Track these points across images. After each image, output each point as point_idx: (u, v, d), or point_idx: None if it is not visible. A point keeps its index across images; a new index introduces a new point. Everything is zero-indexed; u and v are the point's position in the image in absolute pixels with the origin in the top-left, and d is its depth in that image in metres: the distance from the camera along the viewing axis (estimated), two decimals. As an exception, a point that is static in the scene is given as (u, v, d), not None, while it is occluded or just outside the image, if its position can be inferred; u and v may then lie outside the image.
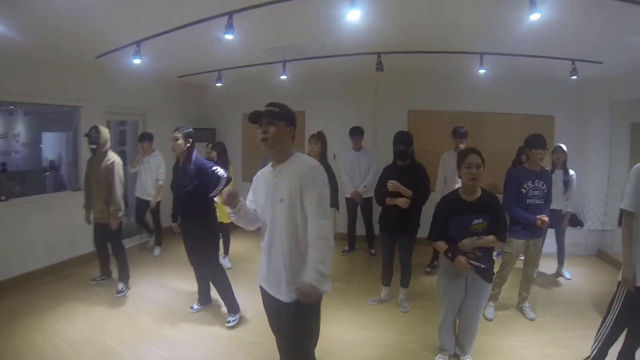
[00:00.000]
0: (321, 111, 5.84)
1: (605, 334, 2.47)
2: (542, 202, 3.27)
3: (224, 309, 3.37)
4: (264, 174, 1.90)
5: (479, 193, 2.40)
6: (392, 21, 3.37)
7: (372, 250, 5.19)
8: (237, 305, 3.28)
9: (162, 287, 4.01)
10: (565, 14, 2.94)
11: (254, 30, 3.49)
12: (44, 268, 4.19)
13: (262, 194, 1.87)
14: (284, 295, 1.77)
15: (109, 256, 3.93)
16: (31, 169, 5.87)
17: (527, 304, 3.52)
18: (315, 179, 1.71)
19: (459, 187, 2.50)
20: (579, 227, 5.20)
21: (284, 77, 4.90)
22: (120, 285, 3.76)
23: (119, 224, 3.66)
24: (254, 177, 1.98)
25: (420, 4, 3.07)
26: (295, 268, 1.73)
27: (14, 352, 2.77)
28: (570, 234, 4.57)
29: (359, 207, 5.04)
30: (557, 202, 3.93)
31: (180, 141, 3.09)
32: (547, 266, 4.55)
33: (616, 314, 2.42)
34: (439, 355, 2.72)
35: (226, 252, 4.63)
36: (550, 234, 4.39)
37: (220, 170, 3.19)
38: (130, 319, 3.32)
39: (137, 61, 3.59)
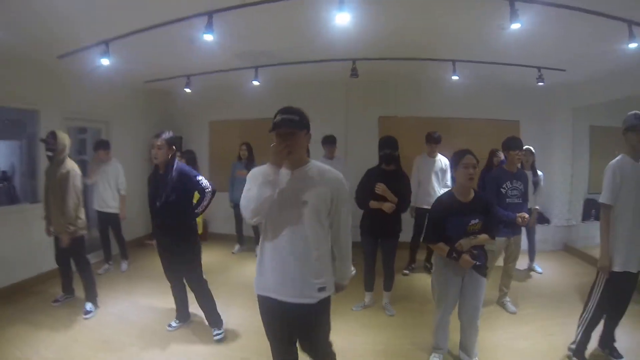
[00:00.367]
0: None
1: (588, 318, 2.61)
2: (521, 201, 3.40)
3: (204, 324, 3.16)
4: (267, 173, 1.70)
5: (472, 194, 2.44)
6: (368, 28, 3.39)
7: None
8: (221, 318, 3.09)
9: (133, 305, 3.66)
10: (533, 25, 3.10)
11: (228, 34, 3.38)
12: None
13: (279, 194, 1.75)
14: (310, 297, 1.77)
15: (72, 273, 3.59)
16: (-22, 182, 5.34)
17: (507, 299, 3.62)
18: (346, 191, 1.83)
19: (452, 189, 2.52)
20: (545, 224, 5.47)
21: (256, 82, 4.82)
22: (89, 306, 3.40)
23: (79, 239, 3.33)
24: (251, 176, 1.80)
25: (396, 12, 3.13)
26: (319, 269, 1.77)
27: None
28: (538, 230, 4.79)
29: None
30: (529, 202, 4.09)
31: (164, 149, 2.82)
32: (518, 262, 4.69)
33: (597, 299, 2.58)
34: (433, 354, 2.71)
35: None
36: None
37: (204, 181, 2.95)
38: (104, 343, 2.95)
39: (105, 62, 3.37)
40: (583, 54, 4.01)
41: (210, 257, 4.91)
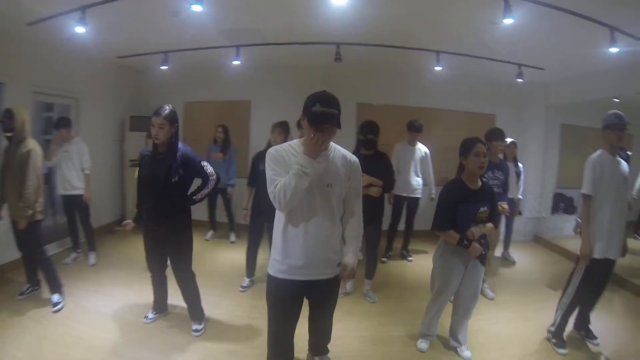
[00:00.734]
0: (267, 102, 5.57)
1: (568, 302, 2.74)
2: (501, 191, 3.48)
3: (183, 315, 2.99)
4: (304, 165, 1.67)
5: (480, 182, 2.46)
6: (354, 13, 3.32)
7: None
8: (203, 313, 2.93)
9: (105, 297, 3.37)
10: (519, 23, 3.12)
11: (213, 9, 3.20)
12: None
13: None
14: (329, 272, 1.89)
15: (45, 264, 3.22)
16: None
17: (486, 285, 3.73)
18: (361, 172, 1.93)
19: (461, 176, 2.49)
20: (518, 215, 5.70)
21: (237, 62, 4.65)
22: (56, 297, 3.10)
23: (36, 224, 3.02)
24: (272, 158, 1.80)
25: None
26: (337, 246, 1.90)
27: None
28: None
29: None
30: (511, 192, 4.23)
31: (165, 127, 2.51)
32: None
33: (576, 284, 2.71)
34: (421, 340, 2.73)
35: None
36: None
37: (209, 167, 2.71)
38: (77, 339, 2.67)
39: (80, 30, 3.09)
40: (562, 55, 4.17)
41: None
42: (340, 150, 1.89)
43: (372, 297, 3.55)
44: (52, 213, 4.59)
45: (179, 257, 2.77)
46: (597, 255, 2.59)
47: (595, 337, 2.81)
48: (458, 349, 2.66)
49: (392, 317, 3.21)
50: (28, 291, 3.26)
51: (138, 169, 2.82)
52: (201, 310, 2.91)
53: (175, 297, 3.05)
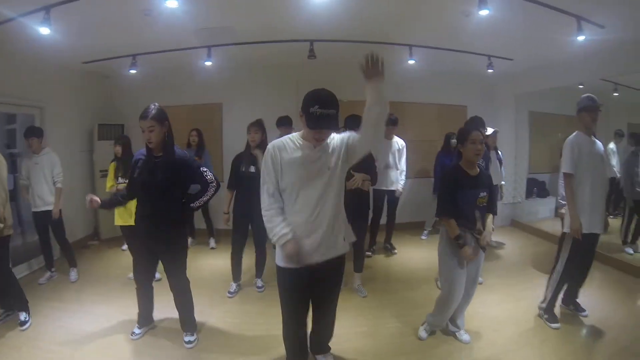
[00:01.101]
0: (240, 103, 5.49)
1: (557, 278, 2.85)
2: None
3: (171, 327, 2.85)
4: (291, 148, 1.90)
5: (478, 168, 2.50)
6: (326, 9, 3.29)
7: None
8: (196, 323, 2.80)
9: (87, 315, 3.13)
10: (488, 15, 3.19)
11: (182, 8, 3.09)
12: None
13: (304, 170, 1.87)
14: (340, 249, 2.00)
15: (6, 281, 2.97)
16: None
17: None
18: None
19: (460, 162, 2.51)
20: (499, 200, 5.89)
21: (209, 63, 4.54)
22: (23, 315, 2.89)
23: (3, 240, 2.80)
24: (268, 156, 1.90)
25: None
26: (341, 223, 1.99)
27: None
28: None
29: None
30: (496, 178, 4.35)
31: (156, 129, 2.38)
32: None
33: (564, 261, 2.81)
34: (422, 329, 2.75)
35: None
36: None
37: (209, 174, 2.59)
38: None
39: (45, 31, 2.89)
40: (530, 45, 4.32)
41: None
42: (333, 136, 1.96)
43: (362, 292, 3.54)
44: (20, 232, 4.27)
45: (174, 264, 2.63)
46: (582, 230, 2.69)
47: (583, 310, 2.94)
48: (457, 334, 2.70)
49: (386, 310, 3.21)
50: (3, 316, 2.98)
51: (129, 176, 2.63)
52: (194, 320, 2.78)
53: (161, 310, 2.91)
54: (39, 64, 4.21)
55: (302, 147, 1.87)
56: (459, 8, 3.36)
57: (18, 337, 2.74)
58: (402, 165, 4.64)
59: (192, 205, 2.59)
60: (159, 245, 2.56)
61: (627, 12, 3.22)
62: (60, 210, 3.78)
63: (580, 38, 3.47)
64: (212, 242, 5.02)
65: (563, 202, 3.58)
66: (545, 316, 2.87)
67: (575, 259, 2.77)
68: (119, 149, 3.84)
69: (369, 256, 4.58)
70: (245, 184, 3.33)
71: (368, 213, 3.54)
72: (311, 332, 2.31)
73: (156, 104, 2.44)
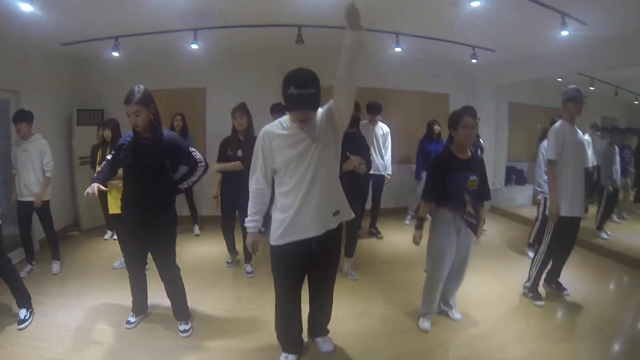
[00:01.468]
0: (223, 88, 5.38)
1: (541, 259, 3.01)
2: None
3: (166, 314, 2.79)
4: (279, 134, 1.91)
5: (469, 152, 2.56)
6: None
7: None
8: (189, 311, 2.75)
9: (75, 307, 2.98)
10: (473, 7, 3.33)
11: None
12: None
13: (293, 150, 1.88)
14: (333, 222, 1.99)
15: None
16: None
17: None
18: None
19: (451, 147, 2.56)
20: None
21: (194, 46, 4.41)
22: (23, 312, 2.70)
23: None
24: (259, 143, 1.95)
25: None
26: (335, 197, 2.00)
27: None
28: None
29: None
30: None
31: (142, 113, 2.26)
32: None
33: (548, 242, 2.97)
34: (422, 320, 2.73)
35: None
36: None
37: (197, 154, 2.51)
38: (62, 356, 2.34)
39: (26, 7, 2.73)
40: (513, 38, 4.46)
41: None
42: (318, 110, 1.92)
43: (353, 275, 3.61)
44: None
45: (163, 253, 2.55)
46: (563, 213, 2.86)
47: (565, 289, 3.13)
48: (449, 312, 2.81)
49: (376, 292, 3.29)
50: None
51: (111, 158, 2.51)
52: (187, 308, 2.72)
53: (152, 298, 2.84)
54: (15, 46, 3.95)
55: (289, 129, 1.89)
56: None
57: (4, 336, 2.56)
58: (388, 150, 4.72)
59: (180, 186, 2.52)
60: (146, 232, 2.47)
61: (608, 10, 3.38)
62: (48, 201, 3.63)
63: (564, 33, 3.62)
64: (196, 229, 4.96)
65: (540, 189, 3.78)
66: (530, 295, 3.03)
67: (557, 240, 2.94)
68: (108, 132, 3.71)
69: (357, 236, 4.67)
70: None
71: (365, 198, 3.58)
72: (309, 315, 2.35)
73: (141, 86, 2.31)
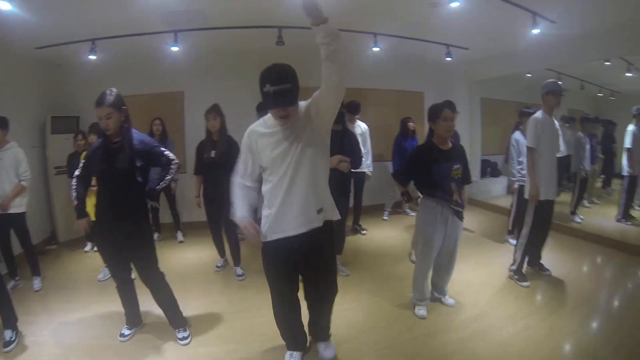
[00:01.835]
0: (202, 91, 5.27)
1: (524, 242, 3.19)
2: None
3: (160, 324, 2.71)
4: (263, 133, 1.89)
5: (450, 143, 2.67)
6: None
7: None
8: (184, 316, 2.68)
9: (61, 325, 2.82)
10: (450, 7, 3.47)
11: None
12: None
13: (276, 148, 1.85)
14: (319, 220, 1.93)
15: None
16: None
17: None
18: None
19: (432, 139, 2.67)
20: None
21: (175, 48, 4.35)
22: (8, 334, 2.53)
23: None
24: (244, 146, 1.95)
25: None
26: (320, 195, 1.93)
27: None
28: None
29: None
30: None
31: (113, 116, 2.23)
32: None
33: (529, 225, 3.16)
34: (418, 307, 2.81)
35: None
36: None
37: (169, 152, 2.47)
38: None
39: (5, 6, 2.62)
40: (486, 35, 4.68)
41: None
42: (302, 105, 1.86)
43: (344, 271, 3.66)
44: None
45: (143, 259, 2.46)
46: (540, 197, 3.06)
47: (547, 269, 3.33)
48: (442, 299, 2.92)
49: (370, 286, 3.35)
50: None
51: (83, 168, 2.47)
52: (181, 314, 2.66)
53: (145, 307, 2.76)
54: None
55: (272, 127, 1.85)
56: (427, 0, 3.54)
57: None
58: (368, 148, 4.83)
59: (157, 187, 2.46)
60: (123, 238, 2.40)
61: (575, 10, 3.64)
62: (24, 214, 3.46)
63: (536, 32, 3.86)
64: (179, 236, 4.88)
65: (514, 179, 3.98)
66: (516, 277, 3.20)
67: (537, 223, 3.14)
68: (94, 137, 3.65)
69: None
70: (209, 169, 3.47)
71: (348, 195, 3.64)
72: (309, 320, 2.31)
73: (113, 89, 2.29)
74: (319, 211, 1.91)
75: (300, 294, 2.15)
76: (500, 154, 6.95)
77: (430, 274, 2.84)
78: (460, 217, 2.71)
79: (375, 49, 4.90)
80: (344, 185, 3.47)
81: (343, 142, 3.35)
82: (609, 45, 4.24)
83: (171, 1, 3.37)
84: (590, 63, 4.85)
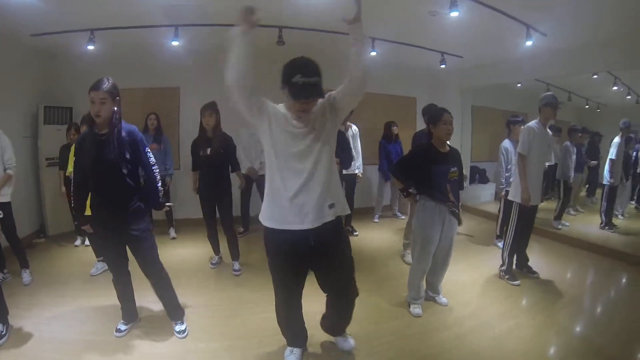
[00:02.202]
0: (198, 88, 5.24)
1: (510, 242, 3.36)
2: None
3: (155, 318, 2.72)
4: (281, 119, 1.84)
5: (447, 147, 2.76)
6: None
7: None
8: (182, 308, 2.68)
9: (54, 320, 2.75)
10: (447, 16, 3.57)
11: None
12: None
13: (291, 142, 1.83)
14: (330, 215, 1.89)
15: None
16: None
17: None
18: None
19: (432, 141, 2.76)
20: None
21: (175, 42, 4.34)
22: None
23: None
24: (269, 103, 1.89)
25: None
26: (332, 190, 1.90)
27: None
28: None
29: (254, 185, 4.86)
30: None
31: (107, 103, 2.19)
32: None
33: (514, 228, 3.33)
34: (413, 306, 2.86)
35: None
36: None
37: (152, 157, 2.43)
38: None
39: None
40: (480, 45, 4.83)
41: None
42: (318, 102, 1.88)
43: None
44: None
45: (143, 247, 2.43)
46: (532, 203, 3.21)
47: (535, 272, 3.48)
48: (436, 298, 3.00)
49: (366, 285, 3.25)
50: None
51: (74, 159, 2.41)
52: (180, 306, 2.66)
53: (140, 303, 2.75)
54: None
55: (289, 120, 1.82)
56: (428, 8, 3.65)
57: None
58: (358, 150, 4.91)
59: (161, 200, 2.51)
60: (121, 230, 2.36)
61: (567, 24, 3.81)
62: (9, 203, 3.35)
63: (529, 43, 4.01)
64: (172, 232, 4.86)
65: (502, 187, 4.11)
66: (507, 276, 3.34)
67: (520, 225, 3.32)
68: (75, 135, 3.64)
69: None
70: (205, 166, 3.52)
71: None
72: (325, 316, 2.32)
73: (110, 78, 2.28)
74: (331, 206, 1.88)
75: (315, 289, 2.12)
76: (490, 160, 7.18)
77: (425, 274, 2.92)
78: (457, 218, 2.79)
79: (372, 53, 4.99)
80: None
81: (341, 143, 3.44)
82: (598, 60, 4.44)
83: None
84: (578, 76, 5.05)
